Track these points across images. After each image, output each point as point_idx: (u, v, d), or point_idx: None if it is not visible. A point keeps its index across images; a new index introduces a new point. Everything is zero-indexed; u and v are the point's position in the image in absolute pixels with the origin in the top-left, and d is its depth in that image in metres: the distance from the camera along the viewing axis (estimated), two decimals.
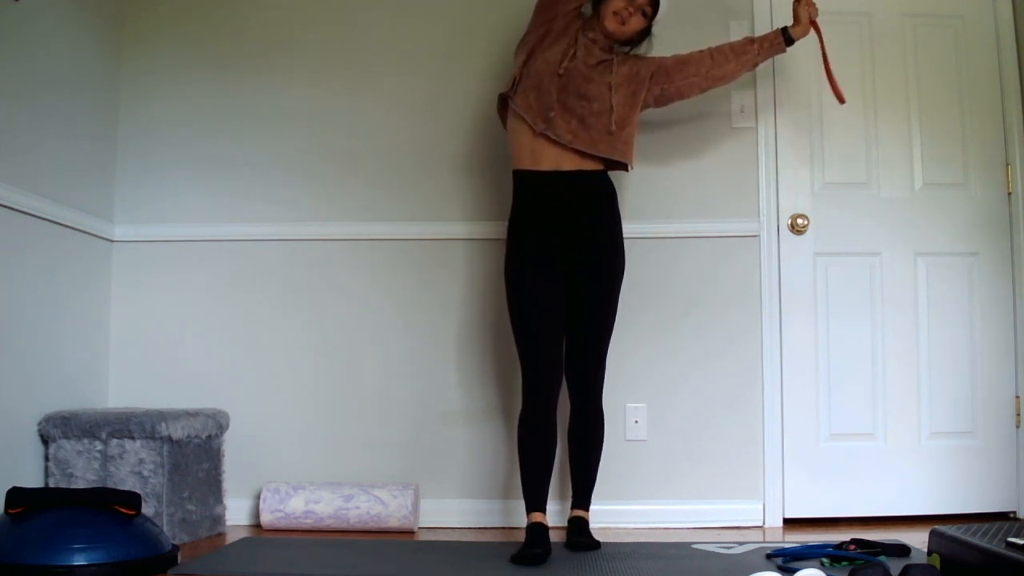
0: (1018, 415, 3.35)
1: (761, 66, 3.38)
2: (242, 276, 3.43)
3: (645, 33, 3.00)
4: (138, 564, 2.32)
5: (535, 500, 2.77)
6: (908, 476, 3.32)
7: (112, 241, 3.42)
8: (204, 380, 3.38)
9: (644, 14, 2.93)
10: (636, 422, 3.32)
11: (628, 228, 3.33)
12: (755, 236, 3.37)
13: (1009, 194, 3.41)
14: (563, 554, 2.72)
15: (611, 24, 2.90)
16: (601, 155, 2.87)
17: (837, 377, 3.35)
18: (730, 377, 3.33)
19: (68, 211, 3.11)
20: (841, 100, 3.08)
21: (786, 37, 3.00)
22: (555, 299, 2.84)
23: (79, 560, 2.25)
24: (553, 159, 2.84)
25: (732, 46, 3.01)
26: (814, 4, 3.00)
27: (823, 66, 3.09)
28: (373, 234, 3.42)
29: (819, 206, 3.40)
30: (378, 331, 3.40)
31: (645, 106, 3.00)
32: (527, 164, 2.88)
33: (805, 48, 3.42)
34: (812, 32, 3.03)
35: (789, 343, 3.35)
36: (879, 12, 3.46)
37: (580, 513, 2.91)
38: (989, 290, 3.38)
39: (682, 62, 2.99)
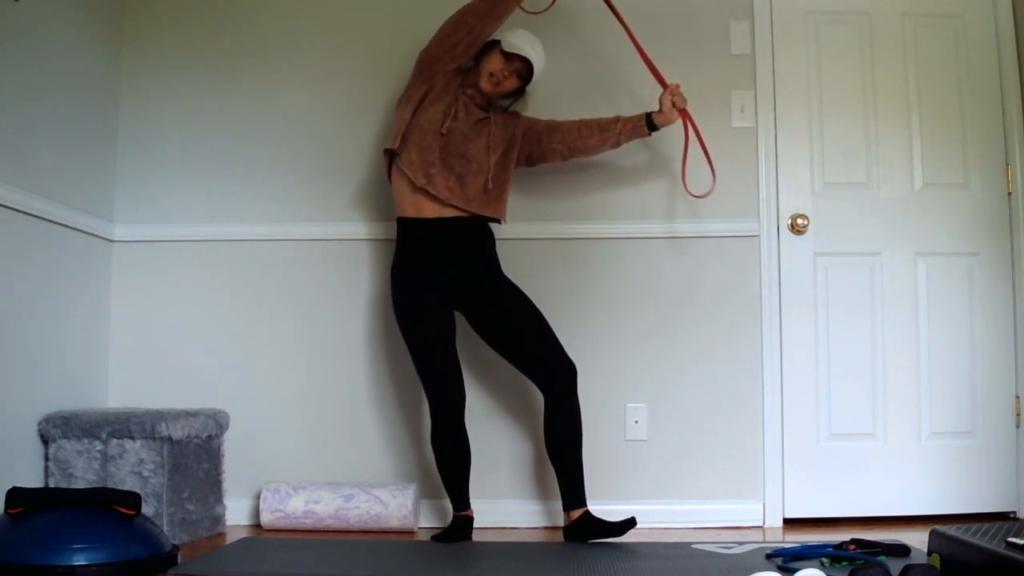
0: (1018, 415, 3.35)
1: (761, 66, 3.40)
2: (242, 276, 3.43)
3: (519, 93, 3.13)
4: (138, 564, 2.32)
5: (458, 501, 3.04)
6: (908, 476, 3.32)
7: (112, 241, 3.42)
8: (204, 380, 3.39)
9: (519, 76, 3.06)
10: (636, 422, 3.32)
11: (628, 228, 3.36)
12: (755, 236, 3.37)
13: (1009, 194, 3.41)
14: (564, 553, 2.72)
15: (486, 84, 3.04)
16: (475, 212, 2.98)
17: (837, 377, 3.35)
18: (730, 377, 3.33)
19: (68, 211, 3.11)
20: (712, 183, 3.20)
21: (649, 123, 3.07)
22: (447, 331, 2.98)
23: (79, 560, 2.25)
24: (435, 209, 2.98)
25: (600, 122, 3.10)
26: (680, 95, 3.06)
27: (701, 149, 3.17)
28: (373, 234, 3.42)
29: (819, 206, 3.40)
30: (378, 331, 3.40)
31: (517, 165, 3.12)
32: (411, 213, 3.00)
33: (805, 48, 3.44)
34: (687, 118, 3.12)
35: (789, 343, 3.35)
36: (879, 12, 3.46)
37: (582, 510, 2.94)
38: (989, 290, 3.38)
39: (552, 128, 3.11)
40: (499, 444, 3.34)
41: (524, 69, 3.05)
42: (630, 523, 2.86)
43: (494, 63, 3.03)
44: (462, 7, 3.01)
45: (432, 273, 2.98)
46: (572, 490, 2.95)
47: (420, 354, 2.96)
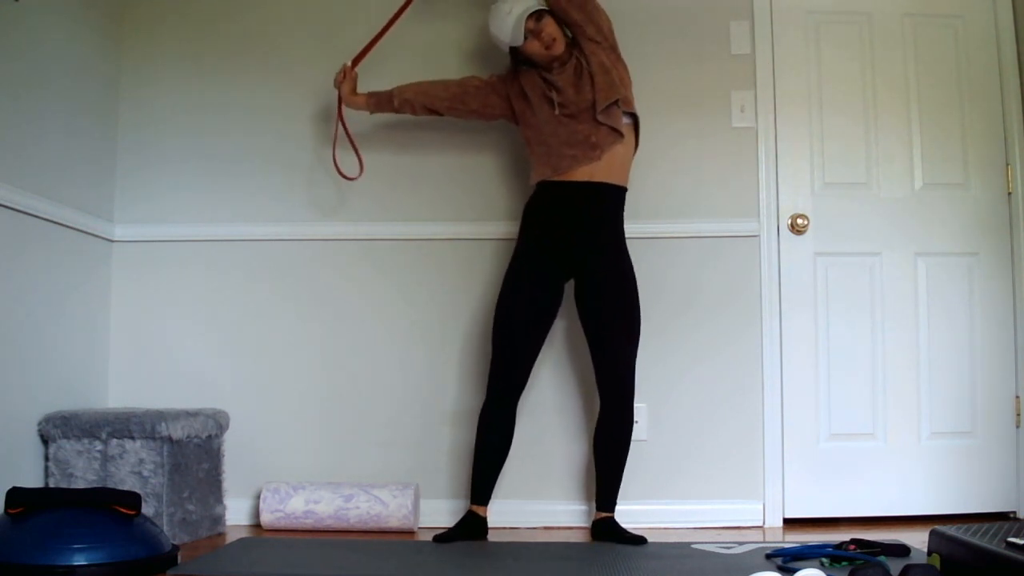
0: (1018, 415, 3.35)
1: (761, 66, 3.40)
2: (242, 276, 3.43)
3: (563, 23, 3.01)
4: (138, 564, 2.32)
5: (478, 493, 3.00)
6: (908, 476, 3.32)
7: (112, 241, 3.42)
8: (204, 380, 3.38)
9: (550, 24, 2.97)
10: (636, 422, 3.31)
11: (628, 228, 3.33)
12: (755, 236, 3.37)
13: (1009, 194, 3.41)
14: (565, 553, 2.72)
15: (543, 56, 2.99)
16: (606, 109, 2.93)
17: (837, 377, 3.35)
18: (730, 377, 3.33)
19: (68, 211, 3.11)
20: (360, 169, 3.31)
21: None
22: (544, 313, 2.99)
23: (79, 560, 2.25)
24: (585, 172, 2.95)
25: None
26: (338, 79, 3.20)
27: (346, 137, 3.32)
28: (373, 234, 3.42)
29: (819, 206, 3.40)
30: (378, 331, 3.40)
31: (606, 48, 3.01)
32: (552, 176, 2.99)
33: (805, 48, 3.44)
34: None
35: (789, 343, 3.35)
36: (879, 12, 3.46)
37: (606, 514, 2.99)
38: (989, 290, 3.38)
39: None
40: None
41: (542, 18, 2.97)
42: (641, 540, 2.88)
43: (531, 49, 2.99)
44: None
45: (555, 242, 2.96)
46: (603, 495, 3.01)
47: (501, 326, 2.97)
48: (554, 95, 2.98)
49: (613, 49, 3.04)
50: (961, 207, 3.41)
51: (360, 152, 3.31)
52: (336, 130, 3.30)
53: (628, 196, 3.36)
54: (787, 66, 3.43)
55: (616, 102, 2.94)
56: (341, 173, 3.30)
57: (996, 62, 3.44)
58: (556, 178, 2.96)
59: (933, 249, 3.39)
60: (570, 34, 3.06)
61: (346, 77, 3.18)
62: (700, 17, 3.44)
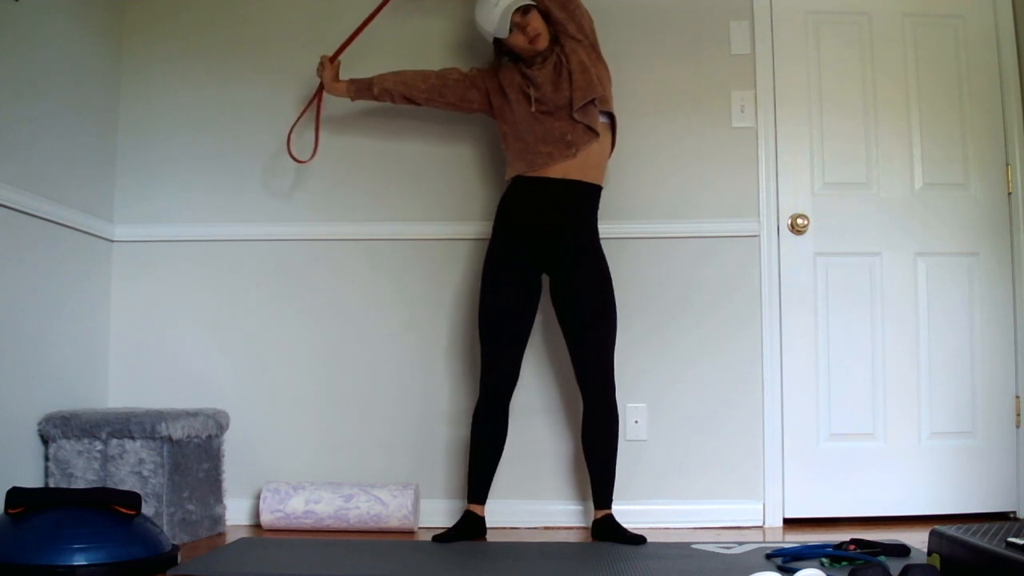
0: (1018, 415, 3.35)
1: (761, 66, 3.41)
2: (242, 276, 3.43)
3: (547, 19, 3.01)
4: (138, 564, 2.33)
5: (475, 492, 3.01)
6: (908, 476, 3.32)
7: (112, 241, 3.42)
8: (204, 380, 3.38)
9: (535, 18, 2.98)
10: (636, 422, 3.32)
11: (628, 228, 3.35)
12: (755, 236, 3.37)
13: (1009, 194, 3.41)
14: (565, 553, 2.72)
15: (526, 49, 3.00)
16: (582, 107, 2.93)
17: (837, 377, 3.35)
18: (730, 377, 3.33)
19: (68, 211, 3.10)
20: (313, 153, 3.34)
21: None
22: (525, 304, 3.00)
23: (79, 560, 2.25)
24: (560, 170, 2.96)
25: None
26: (319, 68, 3.24)
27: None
28: (373, 234, 3.42)
29: (819, 206, 3.40)
30: (379, 331, 3.40)
31: (586, 46, 3.01)
32: (527, 171, 2.99)
33: (805, 48, 3.44)
34: None
35: (789, 343, 3.35)
36: (879, 12, 3.46)
37: (604, 512, 2.98)
38: (989, 290, 3.38)
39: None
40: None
41: (528, 12, 2.97)
42: (640, 540, 2.88)
43: (515, 42, 3.00)
44: None
45: (530, 239, 2.97)
46: (598, 492, 3.01)
47: (485, 321, 2.98)
48: (531, 91, 2.99)
49: (594, 48, 3.04)
50: (961, 207, 3.41)
51: (319, 140, 3.33)
52: (304, 112, 3.33)
53: (628, 195, 3.38)
54: (787, 66, 3.43)
55: (593, 101, 2.95)
56: (292, 155, 3.33)
57: (996, 62, 3.44)
58: (531, 174, 2.97)
59: (933, 249, 3.39)
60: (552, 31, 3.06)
61: (327, 66, 3.22)
62: (700, 17, 3.44)
